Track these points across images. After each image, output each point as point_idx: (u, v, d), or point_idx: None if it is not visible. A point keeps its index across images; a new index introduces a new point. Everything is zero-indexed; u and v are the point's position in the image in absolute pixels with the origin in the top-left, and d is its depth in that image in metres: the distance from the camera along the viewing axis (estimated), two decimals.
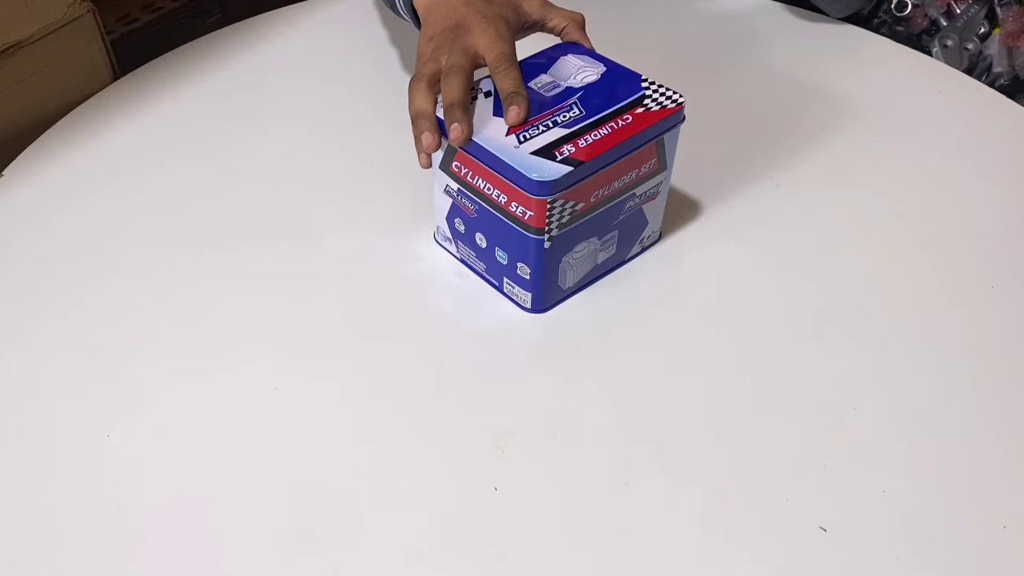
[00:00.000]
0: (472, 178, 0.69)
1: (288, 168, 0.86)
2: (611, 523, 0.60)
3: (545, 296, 0.72)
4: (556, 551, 0.58)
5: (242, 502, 0.61)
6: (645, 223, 0.75)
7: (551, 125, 0.67)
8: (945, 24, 1.18)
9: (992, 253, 0.78)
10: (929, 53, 1.17)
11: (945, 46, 1.17)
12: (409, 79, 0.70)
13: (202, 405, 0.66)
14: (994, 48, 1.17)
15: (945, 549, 0.58)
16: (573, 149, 0.66)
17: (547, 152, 0.65)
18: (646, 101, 0.69)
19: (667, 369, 0.69)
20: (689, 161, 0.77)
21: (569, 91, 0.70)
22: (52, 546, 0.58)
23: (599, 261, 0.74)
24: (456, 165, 0.69)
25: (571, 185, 0.65)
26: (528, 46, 0.75)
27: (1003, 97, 0.93)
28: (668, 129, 0.70)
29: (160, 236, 0.79)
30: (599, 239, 0.72)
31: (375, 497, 0.61)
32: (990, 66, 1.18)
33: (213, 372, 0.68)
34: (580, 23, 0.77)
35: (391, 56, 0.97)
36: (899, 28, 1.20)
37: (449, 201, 0.73)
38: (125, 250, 0.78)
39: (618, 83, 0.71)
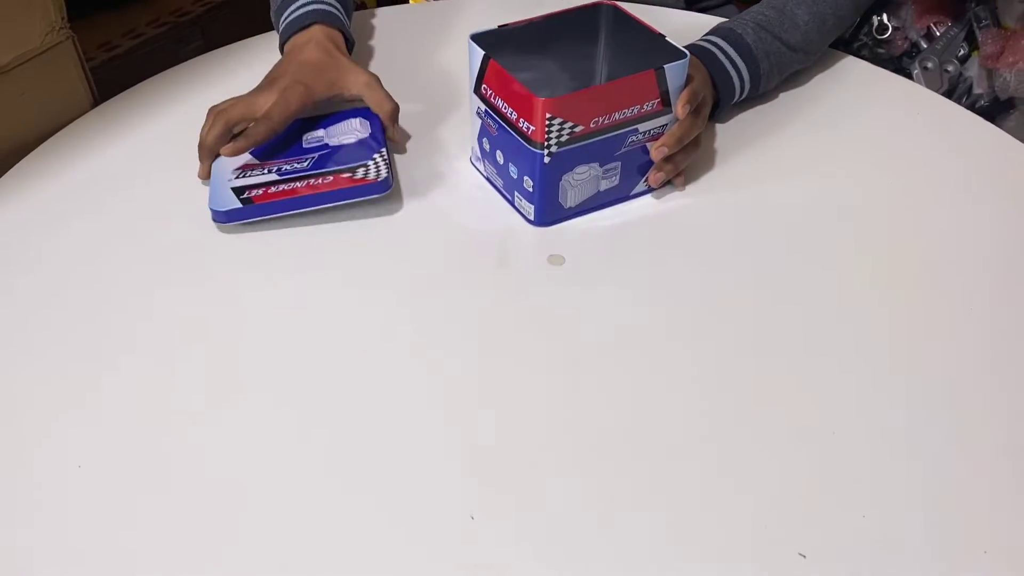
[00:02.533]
0: (494, 98, 0.76)
1: None
2: (589, 551, 0.59)
3: (547, 210, 0.78)
4: (530, 571, 0.58)
5: (210, 527, 0.60)
6: (651, 162, 0.80)
7: (268, 171, 0.80)
8: (925, 46, 1.19)
9: (971, 276, 0.78)
10: (910, 75, 1.17)
11: (925, 68, 1.18)
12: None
13: (180, 422, 0.66)
14: (974, 70, 1.18)
15: (925, 575, 0.58)
16: (260, 193, 0.78)
17: (240, 190, 0.79)
18: (359, 170, 0.78)
19: (635, 397, 0.68)
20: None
21: (324, 148, 0.82)
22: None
23: (601, 188, 0.79)
24: (484, 88, 0.77)
25: (245, 216, 0.78)
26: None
27: (981, 119, 0.94)
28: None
29: (141, 264, 0.78)
30: (600, 166, 0.77)
31: (340, 512, 0.60)
32: (970, 87, 1.19)
33: (190, 393, 0.68)
34: (393, 116, 0.85)
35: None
36: (880, 51, 1.21)
37: (479, 122, 0.81)
38: (105, 278, 0.77)
39: (358, 149, 0.81)
